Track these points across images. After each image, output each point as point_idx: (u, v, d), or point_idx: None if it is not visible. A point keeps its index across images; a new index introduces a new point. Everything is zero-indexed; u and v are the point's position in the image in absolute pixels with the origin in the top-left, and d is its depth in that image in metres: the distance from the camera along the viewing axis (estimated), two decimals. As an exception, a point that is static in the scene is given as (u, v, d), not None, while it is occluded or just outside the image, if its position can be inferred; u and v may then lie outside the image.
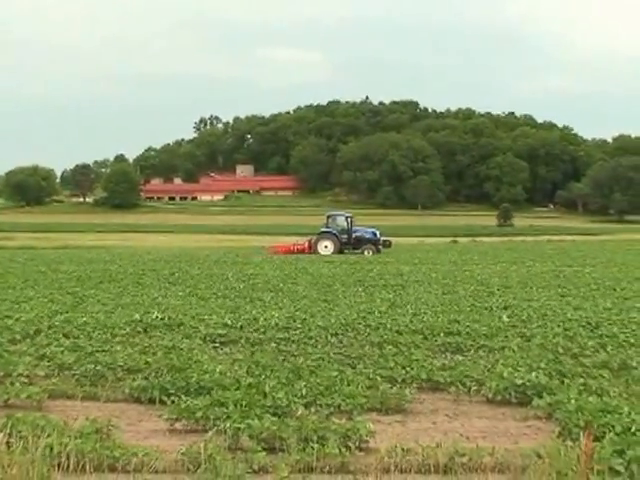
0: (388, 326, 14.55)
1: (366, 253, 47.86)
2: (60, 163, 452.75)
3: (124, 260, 38.81)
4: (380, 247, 49.78)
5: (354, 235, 50.05)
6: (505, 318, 15.86)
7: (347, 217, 51.79)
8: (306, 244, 50.55)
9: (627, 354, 11.82)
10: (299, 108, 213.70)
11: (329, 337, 13.53)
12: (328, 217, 52.27)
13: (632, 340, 13.09)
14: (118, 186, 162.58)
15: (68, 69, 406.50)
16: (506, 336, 13.68)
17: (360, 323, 14.89)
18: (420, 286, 24.23)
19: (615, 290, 22.83)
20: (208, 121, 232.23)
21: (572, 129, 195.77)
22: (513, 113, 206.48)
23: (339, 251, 48.65)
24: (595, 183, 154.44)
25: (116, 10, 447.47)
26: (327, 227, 50.81)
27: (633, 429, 7.52)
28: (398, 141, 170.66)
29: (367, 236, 50.54)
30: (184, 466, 6.82)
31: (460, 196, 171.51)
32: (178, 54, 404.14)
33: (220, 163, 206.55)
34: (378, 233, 51.48)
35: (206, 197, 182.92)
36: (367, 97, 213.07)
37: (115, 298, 20.25)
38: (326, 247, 48.93)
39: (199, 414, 8.26)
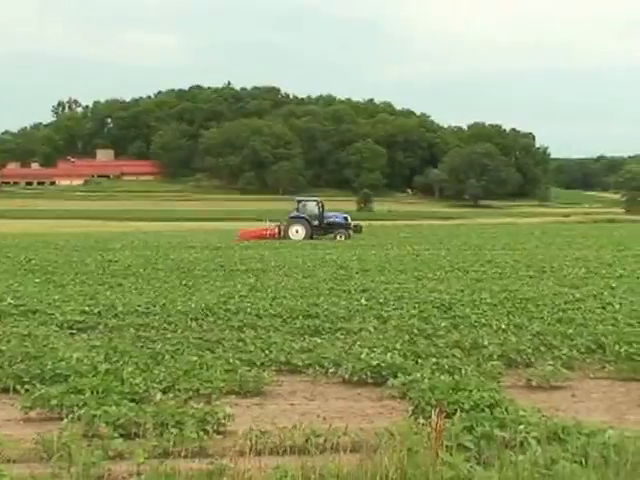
0: (248, 310, 14.67)
1: (338, 237, 47.98)
2: None
3: (-24, 247, 37.49)
4: (350, 232, 49.73)
5: (325, 220, 49.90)
6: (363, 301, 16.19)
7: (318, 202, 51.42)
8: (276, 229, 49.64)
9: (478, 333, 12.30)
10: (160, 93, 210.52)
11: (189, 322, 13.54)
12: (298, 202, 51.69)
13: (483, 320, 13.62)
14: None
15: None
16: (363, 318, 14.00)
17: (220, 307, 14.96)
18: (281, 270, 24.44)
19: (468, 272, 23.61)
20: (67, 105, 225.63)
21: (429, 116, 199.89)
22: (372, 100, 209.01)
23: (310, 236, 48.32)
24: (451, 169, 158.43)
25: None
26: (297, 212, 50.25)
27: (482, 406, 7.83)
28: (260, 127, 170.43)
29: (338, 221, 50.46)
30: (37, 455, 6.69)
31: (321, 181, 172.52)
32: (36, 35, 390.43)
33: (80, 148, 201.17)
34: (349, 218, 51.61)
35: (65, 182, 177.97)
36: (229, 83, 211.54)
37: (-34, 286, 19.60)
38: (297, 232, 48.35)
39: (54, 402, 8.13)
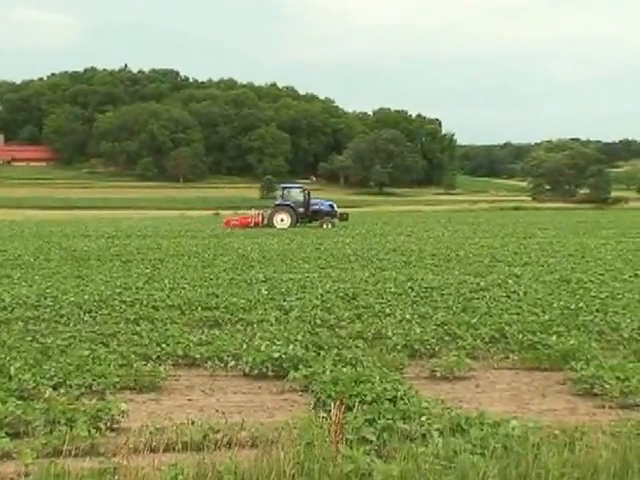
0: (144, 302, 14.37)
1: (325, 226, 47.34)
2: None
3: None
4: (336, 220, 48.96)
5: (311, 208, 49.06)
6: (264, 291, 16.01)
7: (303, 189, 50.48)
8: (260, 217, 48.73)
9: (382, 324, 12.25)
10: (53, 75, 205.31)
11: (82, 314, 13.17)
12: (283, 189, 50.73)
13: (387, 310, 13.59)
14: None
15: None
16: (264, 309, 13.82)
17: (115, 299, 14.63)
18: (179, 260, 24.09)
19: (372, 261, 23.65)
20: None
21: (333, 101, 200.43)
22: (275, 84, 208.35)
23: (295, 224, 47.49)
24: (356, 155, 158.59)
25: None
26: (282, 199, 49.25)
27: (385, 398, 7.75)
28: (158, 111, 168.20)
29: (324, 208, 49.69)
30: None
31: (222, 168, 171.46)
32: None
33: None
34: (335, 205, 50.82)
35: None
36: (126, 65, 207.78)
37: None
38: (282, 220, 47.64)
39: None
